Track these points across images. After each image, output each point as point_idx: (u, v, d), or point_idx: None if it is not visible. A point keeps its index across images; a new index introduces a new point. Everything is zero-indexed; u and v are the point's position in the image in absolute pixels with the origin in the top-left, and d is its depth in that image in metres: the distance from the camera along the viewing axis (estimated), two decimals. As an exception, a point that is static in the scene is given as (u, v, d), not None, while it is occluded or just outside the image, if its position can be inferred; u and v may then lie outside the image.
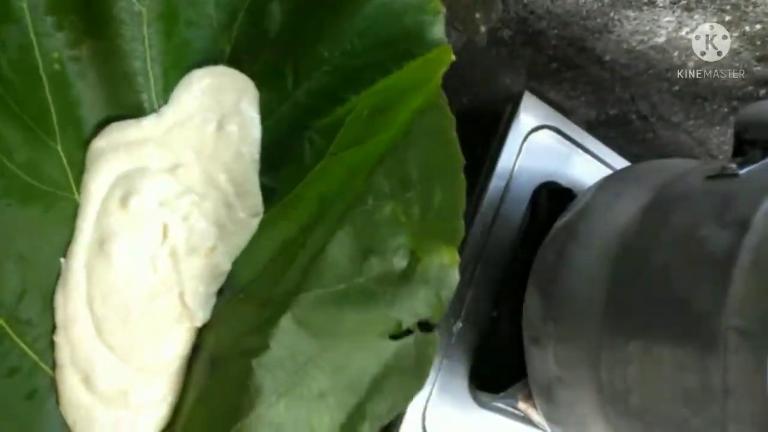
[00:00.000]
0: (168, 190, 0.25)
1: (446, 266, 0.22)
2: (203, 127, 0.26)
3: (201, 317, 0.25)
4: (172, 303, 0.25)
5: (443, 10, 0.24)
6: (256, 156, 0.26)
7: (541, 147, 0.39)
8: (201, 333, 0.25)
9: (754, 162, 0.26)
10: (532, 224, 0.38)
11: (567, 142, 0.40)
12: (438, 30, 0.24)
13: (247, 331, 0.23)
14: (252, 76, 0.26)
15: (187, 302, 0.25)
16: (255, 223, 0.26)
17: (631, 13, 0.36)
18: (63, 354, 0.23)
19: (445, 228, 0.22)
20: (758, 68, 0.38)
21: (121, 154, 0.24)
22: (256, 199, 0.26)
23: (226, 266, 0.26)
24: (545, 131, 0.39)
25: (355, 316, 0.22)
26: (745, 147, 0.27)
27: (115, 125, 0.25)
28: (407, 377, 0.22)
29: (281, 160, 0.26)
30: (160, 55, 0.24)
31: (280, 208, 0.26)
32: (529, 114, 0.38)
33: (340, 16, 0.25)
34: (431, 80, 0.23)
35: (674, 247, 0.26)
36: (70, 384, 0.23)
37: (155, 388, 0.24)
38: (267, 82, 0.26)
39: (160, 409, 0.24)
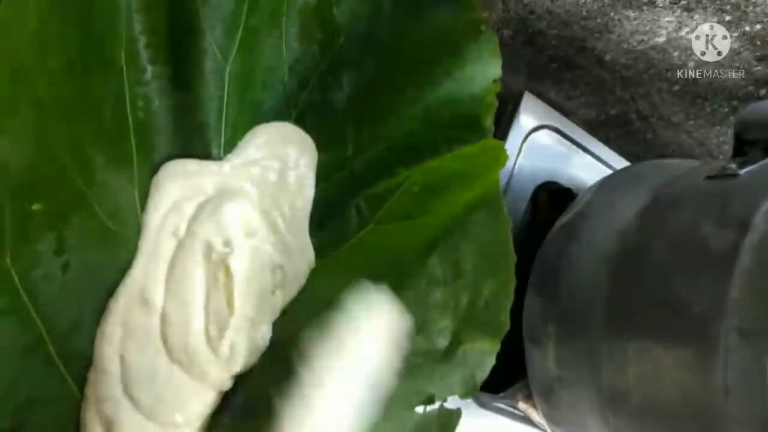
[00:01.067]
0: (228, 225, 0.24)
1: (486, 352, 0.24)
2: (265, 172, 0.26)
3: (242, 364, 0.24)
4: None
5: (497, 103, 0.26)
6: (308, 213, 0.27)
7: (541, 147, 0.39)
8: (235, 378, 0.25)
9: (754, 162, 0.26)
10: (532, 224, 0.38)
11: (567, 142, 0.40)
12: (489, 120, 0.26)
13: (288, 386, 0.23)
14: (314, 139, 0.27)
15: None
16: (306, 275, 0.26)
17: (631, 13, 0.36)
18: (91, 393, 0.23)
19: (490, 320, 0.24)
20: (758, 68, 0.38)
21: (180, 181, 0.24)
22: (311, 252, 0.26)
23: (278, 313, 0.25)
24: (545, 131, 0.39)
25: (395, 386, 0.23)
26: (745, 147, 0.27)
27: (176, 160, 0.25)
28: None
29: (327, 222, 0.27)
30: (234, 112, 0.26)
31: (322, 269, 0.26)
32: (529, 114, 0.38)
33: (405, 100, 0.26)
34: (488, 173, 0.25)
35: (674, 247, 0.26)
36: (92, 428, 0.23)
37: None
38: (327, 147, 0.27)
39: None
